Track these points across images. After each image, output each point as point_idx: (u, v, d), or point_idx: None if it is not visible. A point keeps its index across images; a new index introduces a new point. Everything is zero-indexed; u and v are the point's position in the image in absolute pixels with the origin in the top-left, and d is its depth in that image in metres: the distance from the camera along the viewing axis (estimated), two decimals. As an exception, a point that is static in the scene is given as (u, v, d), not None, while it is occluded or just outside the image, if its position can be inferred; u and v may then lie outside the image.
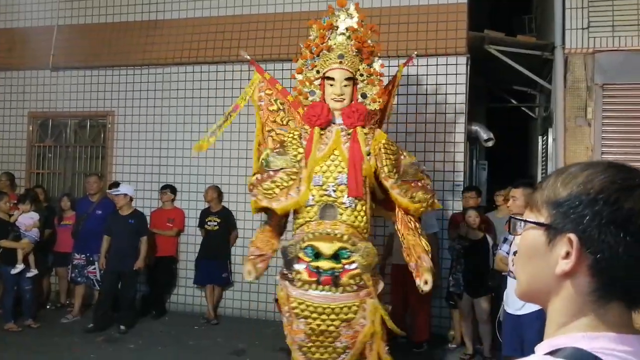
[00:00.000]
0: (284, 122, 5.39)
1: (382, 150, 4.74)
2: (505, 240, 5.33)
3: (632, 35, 7.12)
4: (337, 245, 4.47)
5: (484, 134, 8.37)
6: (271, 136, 5.41)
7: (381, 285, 4.72)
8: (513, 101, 10.45)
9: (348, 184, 4.61)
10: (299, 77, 4.99)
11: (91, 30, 9.10)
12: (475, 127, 8.30)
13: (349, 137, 4.73)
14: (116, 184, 8.07)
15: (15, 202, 7.88)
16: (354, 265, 4.47)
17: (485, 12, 9.10)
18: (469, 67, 7.55)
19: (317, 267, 4.46)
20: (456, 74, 7.53)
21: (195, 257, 8.15)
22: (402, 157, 4.88)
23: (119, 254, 7.53)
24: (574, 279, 0.99)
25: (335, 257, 4.46)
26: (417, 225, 4.87)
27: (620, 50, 7.18)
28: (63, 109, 9.26)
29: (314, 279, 4.49)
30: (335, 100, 4.79)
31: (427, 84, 7.57)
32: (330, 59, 4.82)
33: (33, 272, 7.60)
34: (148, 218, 8.32)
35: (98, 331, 7.34)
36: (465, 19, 7.52)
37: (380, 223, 7.19)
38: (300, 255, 4.54)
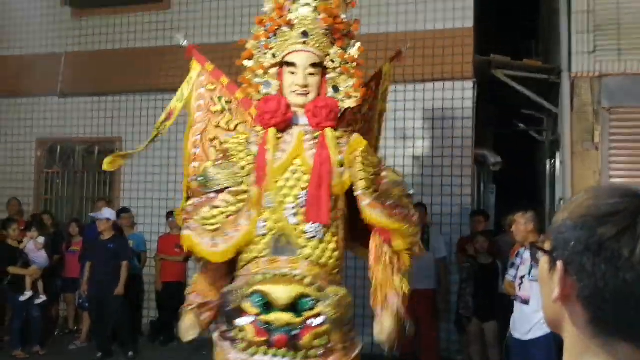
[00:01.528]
0: (231, 127, 4.03)
1: (359, 160, 3.50)
2: (512, 265, 5.30)
3: (638, 59, 7.14)
4: (295, 290, 3.24)
5: (491, 158, 8.38)
6: (214, 146, 4.03)
7: (359, 347, 3.48)
8: (520, 125, 10.47)
9: (307, 204, 3.36)
10: (249, 63, 3.69)
11: (99, 57, 9.18)
12: (482, 151, 8.31)
13: (316, 141, 3.49)
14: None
15: (23, 228, 7.90)
16: (319, 320, 3.22)
17: (491, 36, 9.14)
18: (475, 91, 7.58)
19: (268, 323, 3.23)
20: (463, 99, 7.56)
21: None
22: (383, 172, 3.65)
23: (100, 280, 7.38)
24: (570, 308, 0.97)
25: (294, 307, 3.23)
26: (396, 259, 3.50)
27: (626, 74, 7.19)
28: (71, 135, 9.32)
29: (264, 338, 3.24)
30: (298, 94, 3.53)
31: (433, 109, 7.60)
32: (291, 38, 3.55)
33: (42, 298, 7.59)
34: (156, 244, 8.32)
35: (108, 357, 7.28)
36: (471, 43, 7.57)
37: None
38: (245, 305, 3.28)
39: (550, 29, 8.69)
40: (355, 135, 3.65)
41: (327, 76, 3.60)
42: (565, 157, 7.41)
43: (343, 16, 3.68)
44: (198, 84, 4.19)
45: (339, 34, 3.62)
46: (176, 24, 8.84)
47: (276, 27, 3.60)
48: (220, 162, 3.62)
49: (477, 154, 7.98)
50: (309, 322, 3.22)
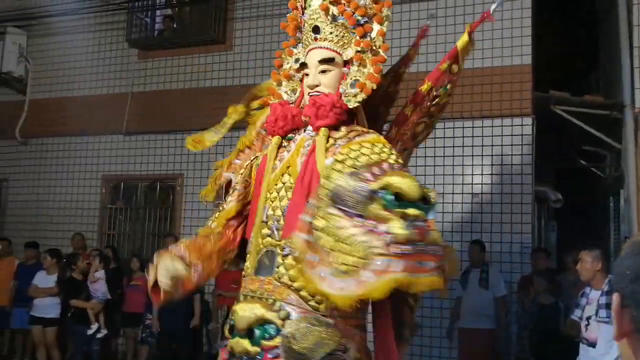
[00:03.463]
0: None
1: (340, 153, 2.87)
2: (578, 305, 5.12)
3: None
4: (255, 313, 2.75)
5: (552, 195, 8.23)
6: None
7: None
8: (582, 161, 10.27)
9: (285, 217, 2.89)
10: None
11: (163, 96, 9.50)
12: (543, 188, 8.17)
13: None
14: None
15: (88, 262, 8.15)
16: (274, 353, 2.71)
17: (551, 72, 9.06)
18: (534, 127, 7.49)
19: (232, 348, 2.85)
20: (522, 135, 7.47)
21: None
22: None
23: (172, 314, 7.38)
24: (635, 344, 0.90)
25: (251, 334, 2.78)
26: None
27: (691, 108, 7.01)
28: (135, 172, 9.61)
29: None
30: (311, 96, 3.09)
31: (492, 145, 7.53)
32: (306, 38, 3.18)
33: (103, 332, 7.77)
34: (213, 280, 8.42)
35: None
36: (530, 80, 7.51)
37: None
38: (226, 327, 2.99)
39: (612, 64, 8.54)
40: (371, 136, 2.98)
41: (346, 70, 3.11)
42: (630, 194, 7.21)
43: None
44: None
45: (352, 19, 3.11)
46: (237, 64, 9.10)
47: (296, 29, 3.26)
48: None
49: (537, 190, 7.84)
50: (269, 354, 2.71)
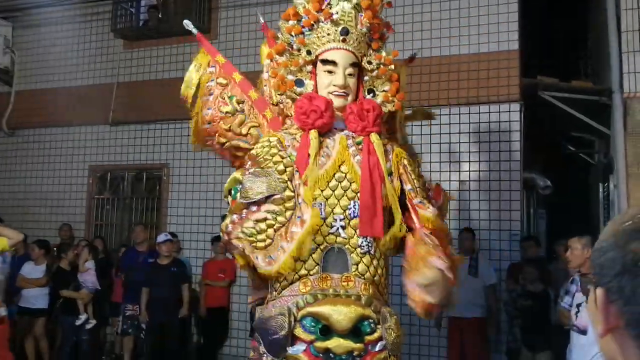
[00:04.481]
0: (243, 131, 3.50)
1: (409, 168, 3.27)
2: (567, 292, 5.07)
3: (693, 78, 6.90)
4: (356, 312, 2.87)
5: (541, 182, 8.18)
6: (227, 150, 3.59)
7: None
8: (570, 147, 10.23)
9: (360, 216, 3.03)
10: (280, 59, 3.32)
11: (148, 86, 9.43)
12: (531, 175, 8.12)
13: (359, 147, 3.17)
14: (173, 236, 8.15)
15: (76, 252, 8.10)
16: (379, 345, 2.92)
17: (538, 58, 8.99)
18: (522, 114, 7.44)
19: (328, 350, 2.86)
20: (509, 121, 7.42)
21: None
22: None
23: (163, 305, 7.41)
24: (620, 341, 0.85)
25: (355, 331, 2.89)
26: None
27: (681, 93, 6.96)
28: (121, 162, 9.55)
29: None
30: (336, 95, 3.22)
31: (480, 132, 7.48)
32: (329, 34, 3.24)
33: (92, 322, 7.73)
34: (200, 269, 8.38)
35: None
36: (517, 65, 7.45)
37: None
38: (297, 331, 2.91)
39: (600, 49, 8.49)
40: (396, 145, 3.36)
41: (365, 78, 3.32)
42: (619, 180, 7.17)
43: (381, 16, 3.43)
44: (208, 75, 3.68)
45: (377, 34, 3.36)
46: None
47: (312, 22, 3.28)
48: (252, 170, 3.14)
49: (526, 177, 7.79)
50: (370, 347, 2.90)
